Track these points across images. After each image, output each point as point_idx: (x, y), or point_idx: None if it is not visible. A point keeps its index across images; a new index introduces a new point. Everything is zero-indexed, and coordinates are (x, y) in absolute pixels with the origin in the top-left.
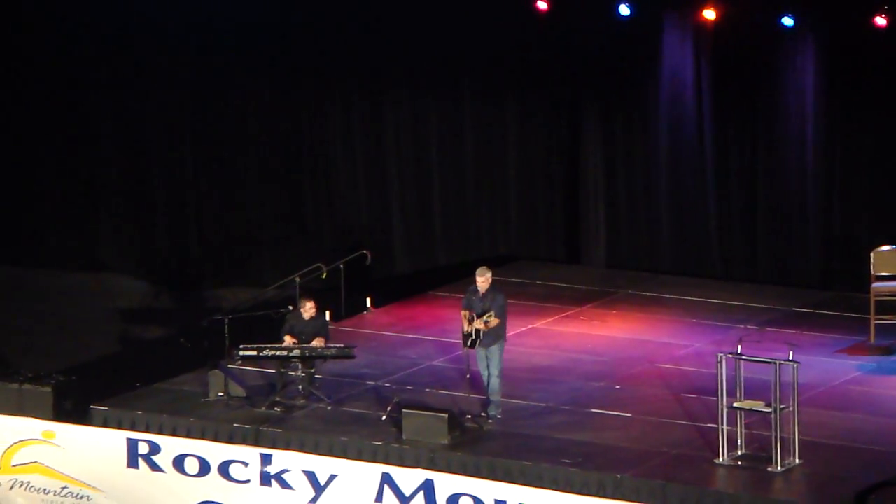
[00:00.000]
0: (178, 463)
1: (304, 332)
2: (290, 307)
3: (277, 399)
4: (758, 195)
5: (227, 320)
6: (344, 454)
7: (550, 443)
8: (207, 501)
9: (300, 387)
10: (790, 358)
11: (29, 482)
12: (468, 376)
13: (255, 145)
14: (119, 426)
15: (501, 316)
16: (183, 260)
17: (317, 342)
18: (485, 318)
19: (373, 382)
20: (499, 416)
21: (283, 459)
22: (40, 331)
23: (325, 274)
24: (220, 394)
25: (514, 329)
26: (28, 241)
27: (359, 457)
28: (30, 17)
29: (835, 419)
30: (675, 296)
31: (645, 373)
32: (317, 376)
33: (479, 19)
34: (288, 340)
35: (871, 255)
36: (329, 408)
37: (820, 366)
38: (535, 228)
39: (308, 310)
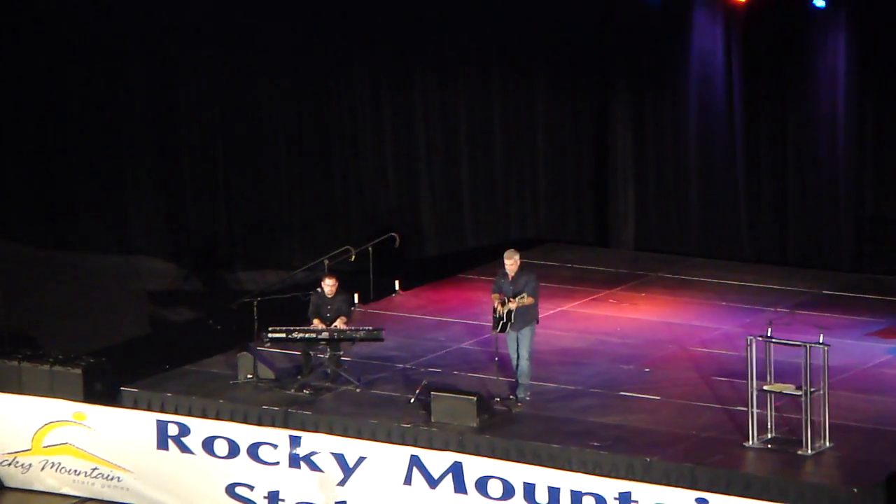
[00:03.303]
0: (208, 445)
1: (329, 311)
2: (319, 289)
3: (306, 381)
4: (788, 177)
5: (255, 302)
6: (373, 436)
7: (579, 426)
8: (236, 483)
9: (328, 369)
10: (820, 341)
11: (60, 463)
12: (497, 359)
13: (284, 128)
14: (149, 408)
15: (534, 296)
16: (212, 242)
17: (338, 322)
18: (517, 298)
19: (402, 365)
20: (528, 399)
21: (312, 442)
22: (70, 313)
23: (353, 256)
24: (249, 376)
25: (544, 312)
26: (58, 224)
27: (388, 439)
28: (60, 4)
29: (865, 402)
30: (705, 278)
31: (674, 355)
32: (343, 358)
33: (509, 0)
34: (316, 324)
35: None
36: (358, 390)
37: (850, 349)
38: (564, 211)
39: (329, 285)
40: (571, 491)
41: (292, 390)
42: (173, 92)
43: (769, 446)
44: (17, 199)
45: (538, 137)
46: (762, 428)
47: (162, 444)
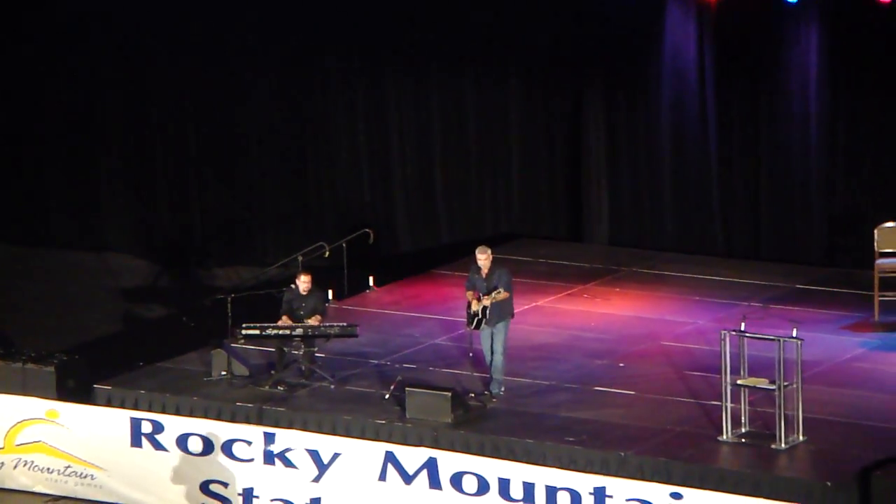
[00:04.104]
0: (182, 442)
1: (302, 308)
2: (293, 286)
3: (280, 378)
4: (761, 172)
5: (229, 299)
6: (347, 433)
7: (554, 421)
8: (211, 480)
9: (302, 366)
10: (794, 335)
11: (32, 461)
12: (471, 354)
13: (257, 124)
14: (122, 405)
15: (509, 290)
16: (185, 239)
17: (313, 320)
18: (493, 294)
19: (376, 361)
20: (502, 394)
21: (287, 438)
22: (43, 310)
23: (327, 253)
24: (223, 373)
25: (518, 307)
26: (30, 220)
27: (362, 435)
28: (32, 5)
29: (838, 396)
30: (679, 273)
31: (648, 350)
32: (318, 355)
33: None
34: (284, 321)
35: (875, 231)
36: (332, 386)
37: (824, 343)
38: (538, 206)
39: (303, 282)
40: (546, 486)
41: (266, 387)
42: (146, 89)
43: (743, 440)
44: None
45: (511, 132)
46: (736, 422)
47: (136, 441)
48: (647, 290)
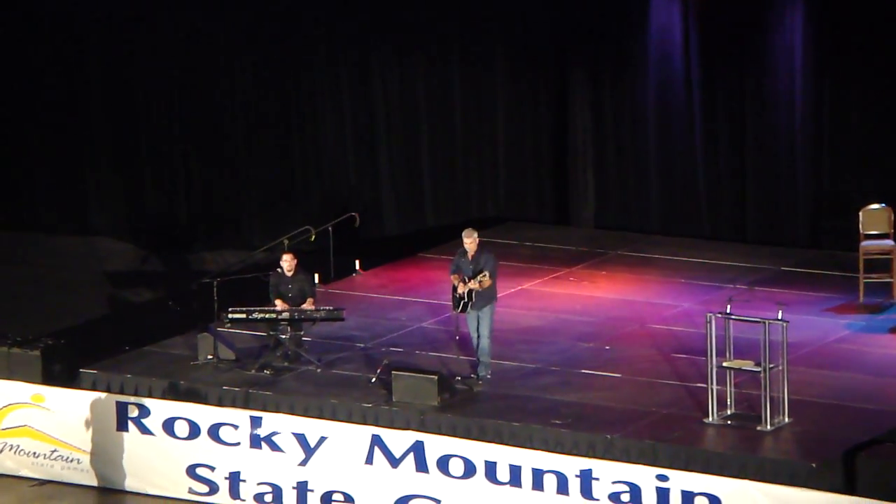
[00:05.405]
0: (168, 426)
1: (290, 291)
2: (278, 269)
3: (267, 362)
4: (746, 154)
5: (215, 283)
6: (334, 416)
7: (540, 404)
8: (197, 464)
9: (288, 350)
10: (779, 317)
11: (18, 445)
12: (457, 337)
13: (243, 108)
14: (108, 389)
15: (493, 274)
16: (172, 223)
17: (307, 304)
18: (479, 277)
19: (362, 345)
20: (488, 378)
21: (273, 422)
22: (29, 294)
23: (313, 236)
24: (210, 357)
25: (504, 290)
26: (16, 205)
27: (349, 419)
28: None
29: (824, 378)
30: (664, 256)
31: (634, 333)
32: (304, 339)
33: None
34: (280, 305)
35: (860, 213)
36: (319, 370)
37: (809, 325)
38: (524, 189)
39: (286, 262)
40: (533, 469)
41: (253, 371)
42: (131, 72)
43: (729, 422)
44: None
45: (498, 116)
46: (722, 404)
47: (122, 425)
48: (633, 273)
